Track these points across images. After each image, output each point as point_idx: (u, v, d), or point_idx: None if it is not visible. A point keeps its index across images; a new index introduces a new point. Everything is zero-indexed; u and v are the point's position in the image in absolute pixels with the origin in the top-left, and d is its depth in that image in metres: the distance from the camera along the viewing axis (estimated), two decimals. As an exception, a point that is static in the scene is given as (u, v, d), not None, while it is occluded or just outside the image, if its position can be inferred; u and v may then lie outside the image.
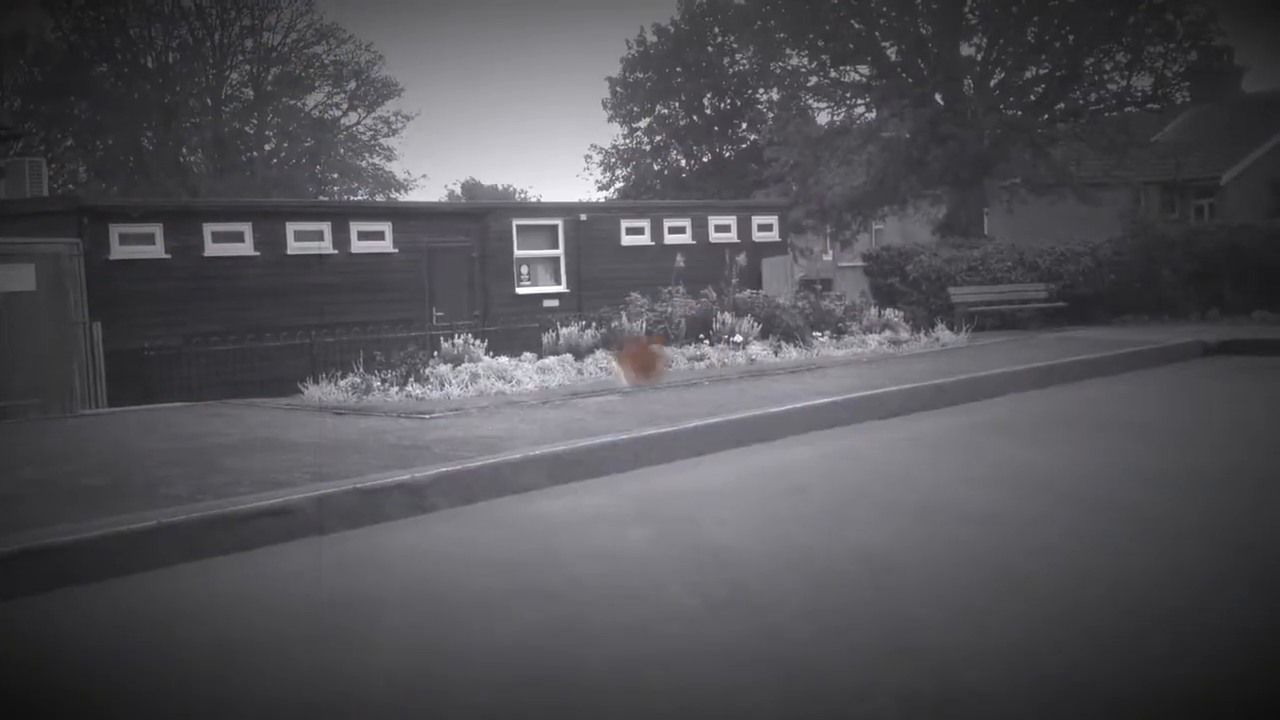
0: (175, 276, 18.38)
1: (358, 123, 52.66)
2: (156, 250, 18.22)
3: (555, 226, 23.73)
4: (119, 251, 17.72)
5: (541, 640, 5.16)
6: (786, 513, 7.65)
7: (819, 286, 22.93)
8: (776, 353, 16.49)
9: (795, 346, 16.82)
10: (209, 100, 49.54)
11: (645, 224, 25.09)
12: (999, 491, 8.07)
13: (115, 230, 17.84)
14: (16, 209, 18.89)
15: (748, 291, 18.69)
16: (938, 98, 32.27)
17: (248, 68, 50.21)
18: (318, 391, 14.15)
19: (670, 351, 15.96)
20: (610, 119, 48.77)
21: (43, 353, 16.18)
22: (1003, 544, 6.60)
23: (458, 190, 58.65)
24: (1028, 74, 32.62)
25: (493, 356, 15.26)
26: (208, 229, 18.91)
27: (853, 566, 6.19)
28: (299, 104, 51.38)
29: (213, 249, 18.83)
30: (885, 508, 7.65)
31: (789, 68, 35.12)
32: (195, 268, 18.65)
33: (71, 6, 47.62)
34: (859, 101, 34.23)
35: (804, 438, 10.78)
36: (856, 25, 32.86)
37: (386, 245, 21.02)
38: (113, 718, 4.57)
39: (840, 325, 18.16)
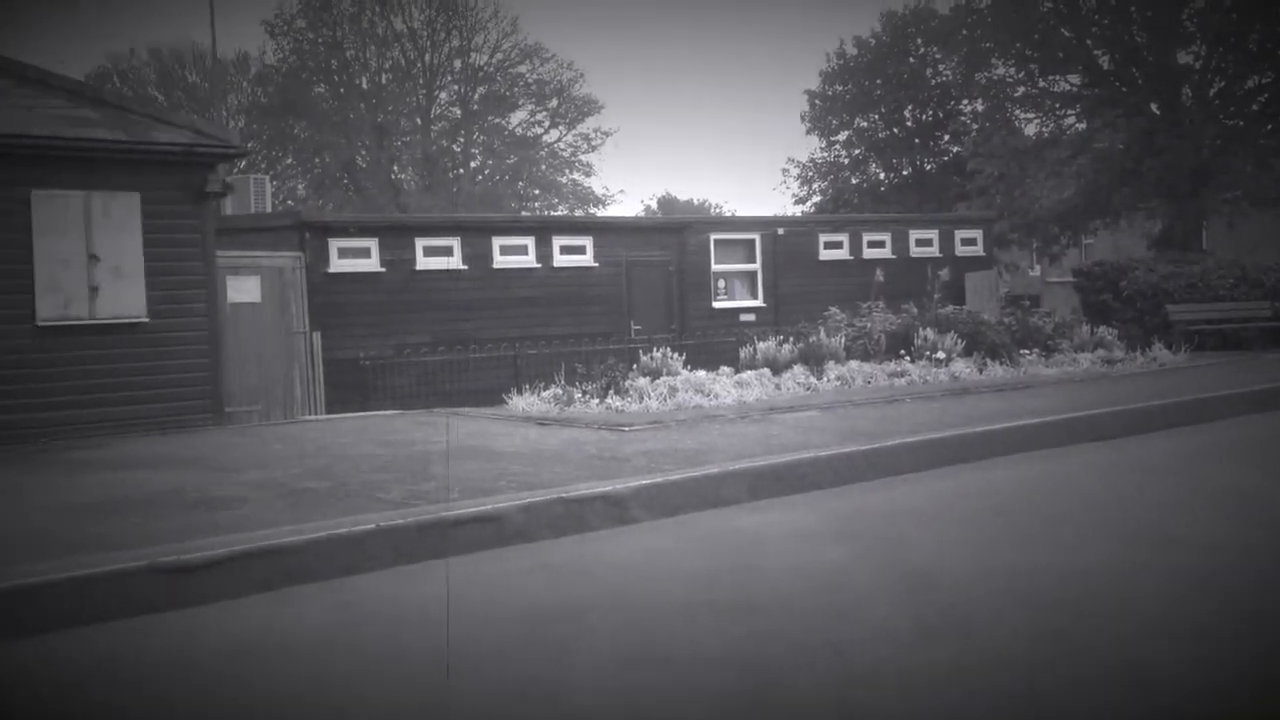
0: (388, 289, 19.13)
1: (559, 139, 53.83)
2: (372, 264, 19.00)
3: (752, 240, 23.72)
4: (337, 265, 18.55)
5: (747, 655, 5.15)
6: (994, 535, 7.44)
7: (1026, 303, 22.25)
8: (981, 370, 16.08)
9: (1001, 364, 16.36)
10: (419, 119, 51.43)
11: (844, 238, 24.84)
12: (1219, 519, 7.67)
13: (334, 244, 18.69)
14: (243, 224, 19.97)
15: (950, 307, 18.30)
16: (1153, 107, 30.94)
17: (456, 87, 51.92)
18: (521, 402, 14.50)
19: (869, 368, 15.75)
20: (808, 132, 48.51)
21: (266, 361, 17.06)
22: (1227, 572, 6.26)
23: (654, 205, 59.30)
24: (1249, 83, 30.98)
25: (690, 370, 15.35)
26: (419, 243, 19.62)
27: (1065, 592, 5.97)
28: (503, 122, 52.81)
29: (424, 263, 19.53)
30: (1098, 533, 7.36)
31: (994, 78, 34.26)
32: (407, 281, 19.38)
33: (292, 30, 50.22)
34: (1069, 112, 33.13)
35: (1011, 459, 10.47)
36: (1066, 33, 31.81)
37: (587, 259, 21.40)
38: (335, 712, 4.77)
39: (1049, 343, 17.59)
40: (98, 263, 13.02)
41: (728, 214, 49.90)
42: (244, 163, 33.54)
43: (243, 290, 16.94)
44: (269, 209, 25.88)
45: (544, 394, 14.45)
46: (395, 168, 51.84)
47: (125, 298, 13.25)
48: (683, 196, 58.71)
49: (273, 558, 6.72)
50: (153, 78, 52.84)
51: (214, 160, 14.12)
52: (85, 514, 7.96)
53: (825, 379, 15.24)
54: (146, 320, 13.41)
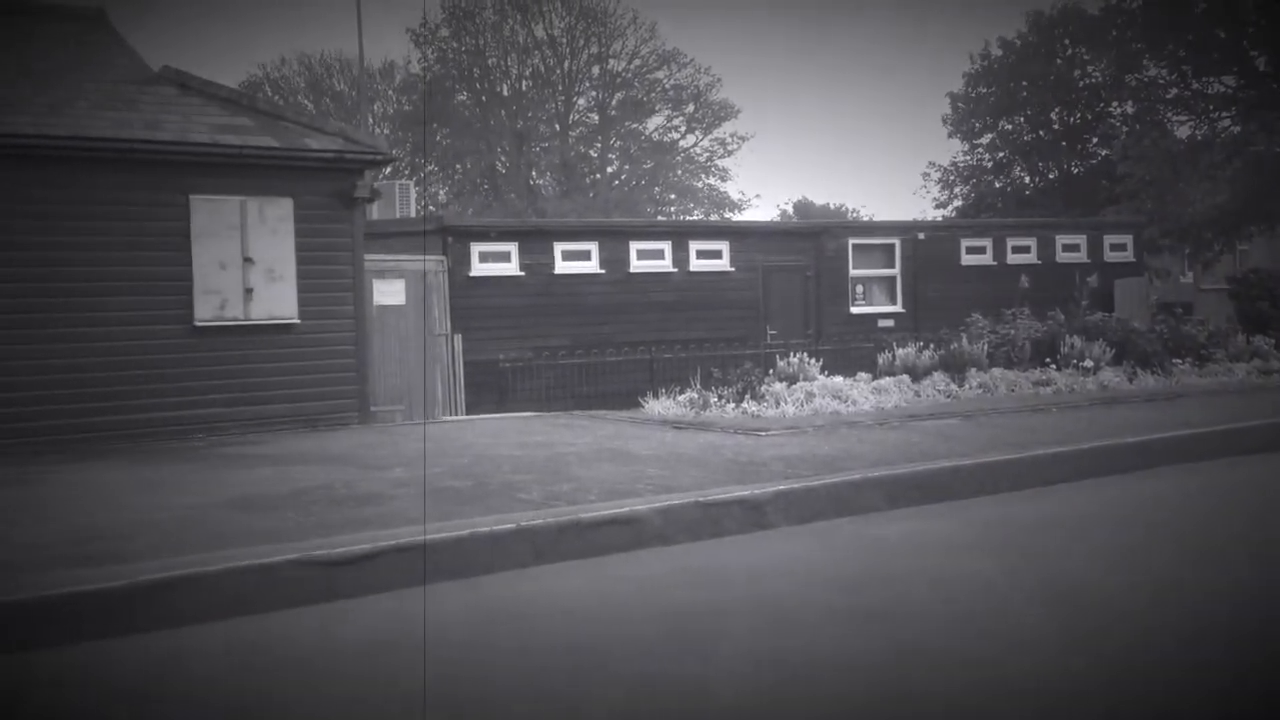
0: (527, 293, 19.42)
1: (695, 144, 53.94)
2: (511, 268, 19.31)
3: (892, 245, 23.42)
4: (478, 269, 18.91)
5: (887, 662, 5.09)
6: (1146, 548, 7.21)
7: (1178, 310, 21.48)
8: (1131, 380, 15.58)
9: (1151, 374, 15.83)
10: (557, 125, 52.10)
11: (986, 243, 24.35)
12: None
13: (476, 249, 19.05)
14: (388, 229, 20.47)
15: (1099, 314, 17.78)
16: (1314, 108, 29.66)
17: (594, 94, 52.44)
18: (657, 405, 14.55)
19: (1013, 375, 15.41)
20: (950, 135, 47.68)
21: (409, 362, 17.46)
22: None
23: (789, 210, 58.92)
24: None
25: (827, 376, 15.22)
26: (558, 248, 19.88)
27: (1228, 607, 5.75)
28: (640, 127, 53.15)
29: (562, 267, 19.77)
30: (1262, 549, 7.08)
31: (1146, 79, 33.25)
32: (545, 285, 19.64)
33: (435, 39, 51.36)
34: (1223, 114, 31.94)
35: (1163, 471, 10.14)
36: (1222, 34, 30.68)
37: (724, 264, 21.39)
38: (478, 704, 4.86)
39: (1203, 352, 16.96)
40: (252, 265, 13.50)
41: (865, 218, 49.35)
42: (389, 169, 34.36)
43: (388, 293, 17.36)
44: (412, 214, 26.48)
45: (680, 398, 14.48)
46: (533, 173, 52.59)
47: (278, 300, 13.71)
48: (819, 201, 58.19)
49: (417, 554, 6.86)
50: (302, 86, 54.55)
51: (362, 167, 14.51)
52: (239, 508, 8.25)
53: (967, 386, 14.95)
54: (297, 321, 13.85)
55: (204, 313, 13.24)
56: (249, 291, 13.53)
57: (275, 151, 13.56)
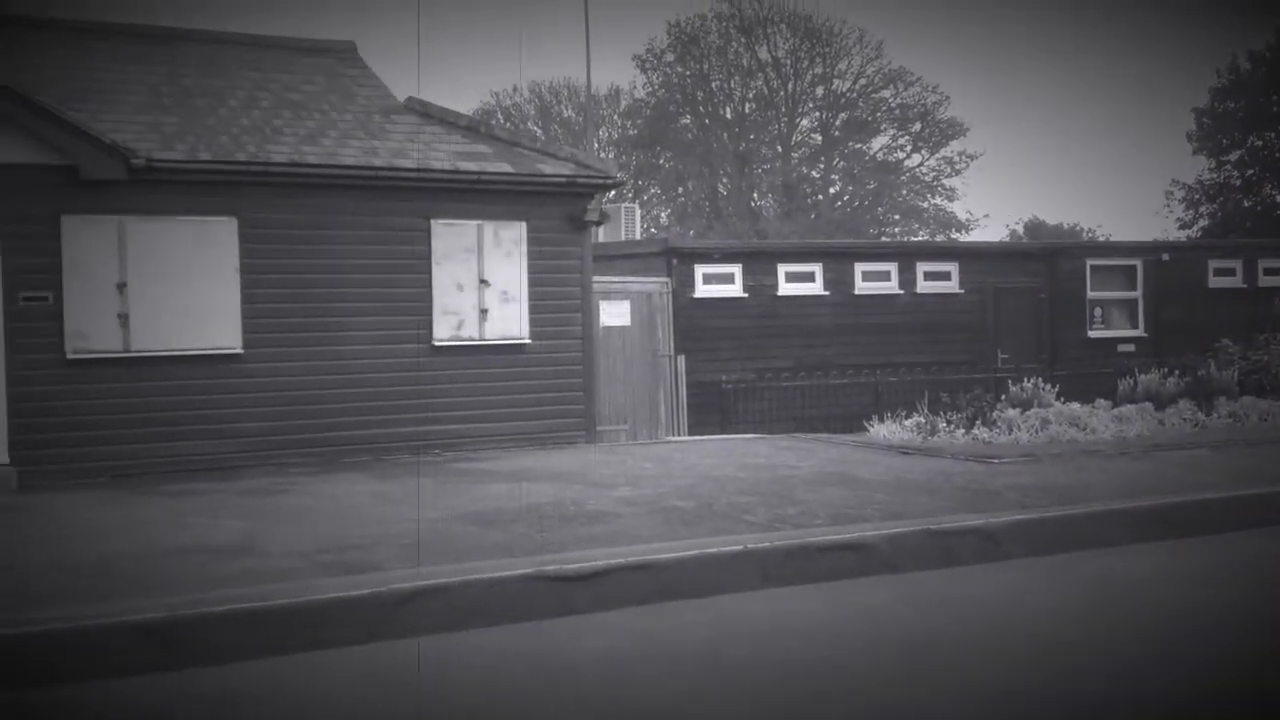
0: (750, 314, 19.41)
1: (921, 164, 52.93)
2: (735, 289, 19.35)
3: (1133, 267, 22.39)
4: (702, 290, 19.02)
5: (1120, 703, 4.84)
6: None
7: None
8: (1400, 411, 14.45)
9: None
10: (779, 147, 52.03)
11: (1236, 264, 23.00)
12: None
13: (700, 270, 19.17)
14: (613, 251, 20.81)
15: (1364, 340, 16.57)
16: None
17: (817, 114, 52.12)
18: (883, 430, 14.32)
19: (1266, 404, 14.51)
20: (1195, 152, 45.33)
21: (634, 382, 17.70)
22: None
23: (1019, 230, 57.14)
24: None
25: (1063, 402, 14.69)
26: (782, 269, 19.81)
27: None
28: (864, 147, 52.52)
29: (786, 288, 19.69)
30: None
31: None
32: (769, 306, 19.59)
33: (661, 64, 52.06)
34: None
35: None
36: None
37: (952, 286, 20.89)
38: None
39: None
40: (487, 287, 13.95)
41: (1101, 238, 47.42)
42: (613, 192, 35.06)
43: (614, 314, 17.66)
44: (637, 237, 26.89)
45: (906, 422, 14.22)
46: (755, 195, 52.65)
47: (510, 320, 14.13)
48: (1051, 221, 56.16)
49: (646, 572, 6.94)
50: (532, 113, 56.19)
51: (592, 190, 14.83)
52: (473, 522, 8.52)
53: (1215, 415, 14.17)
54: (528, 342, 14.24)
55: (442, 333, 13.76)
56: (484, 312, 13.99)
57: (511, 177, 14.01)
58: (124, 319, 12.08)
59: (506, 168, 14.07)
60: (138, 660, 5.59)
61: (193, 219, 12.50)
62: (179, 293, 12.35)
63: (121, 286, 12.07)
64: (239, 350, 12.68)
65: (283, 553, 7.47)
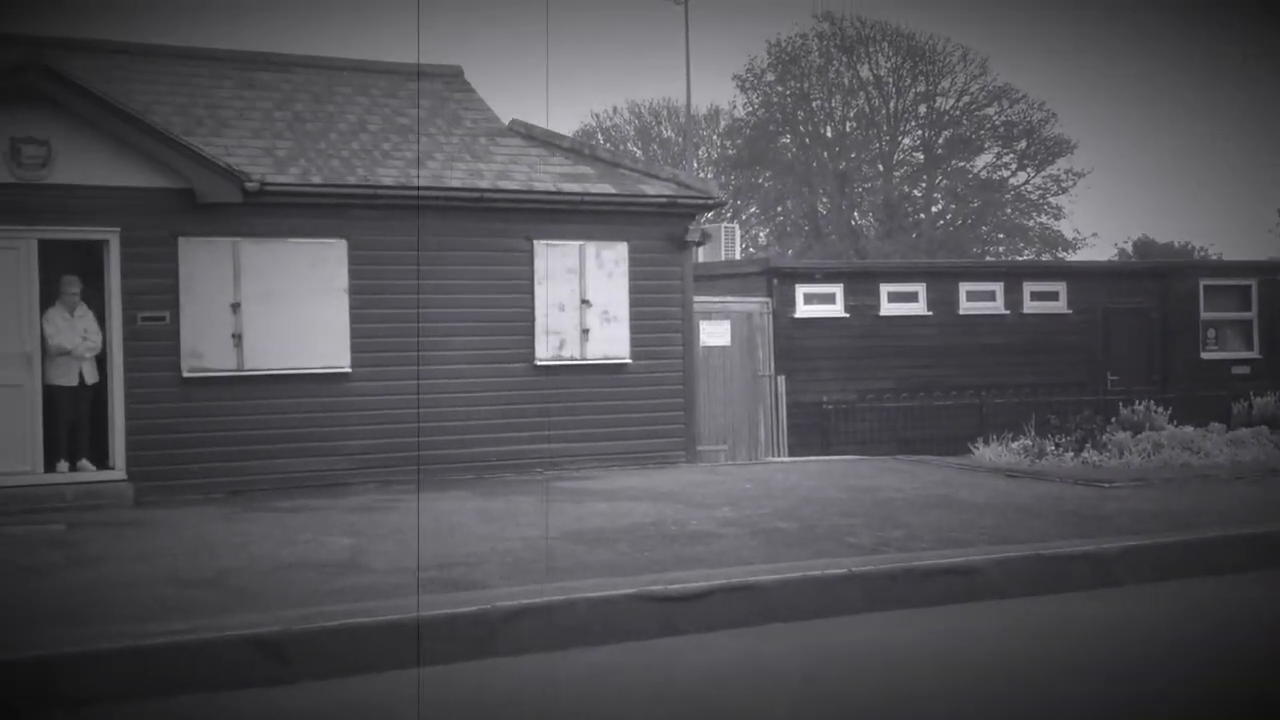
0: (852, 334, 19.24)
1: (1026, 182, 52.02)
2: (836, 309, 19.21)
3: (1247, 287, 21.73)
4: (803, 310, 18.92)
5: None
6: None
7: None
8: None
9: None
10: (880, 165, 51.56)
11: (1357, 284, 22.20)
12: None
13: (801, 290, 19.07)
14: (713, 270, 20.81)
15: None
16: None
17: (920, 132, 51.58)
18: (988, 452, 14.10)
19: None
20: (1312, 168, 43.96)
21: (733, 402, 17.66)
22: None
23: (1128, 248, 55.89)
24: None
25: (1176, 425, 14.31)
26: (884, 289, 19.61)
27: None
28: (968, 165, 51.83)
29: (888, 309, 19.50)
30: None
31: None
32: (871, 326, 19.41)
33: (761, 84, 52.01)
34: None
35: None
36: None
37: (1060, 306, 20.50)
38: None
39: None
40: (589, 307, 14.05)
41: (1214, 257, 46.19)
42: (713, 212, 35.08)
43: (714, 334, 17.65)
44: (736, 256, 26.86)
45: (1012, 445, 13.99)
46: (855, 214, 52.27)
47: (611, 340, 14.20)
48: (1161, 239, 54.84)
49: (748, 594, 6.92)
50: (631, 134, 56.50)
51: (694, 211, 14.86)
52: (575, 540, 8.57)
53: (1336, 441, 13.68)
54: (629, 361, 14.29)
55: (544, 352, 13.88)
56: (585, 332, 14.09)
57: (613, 198, 14.10)
58: (237, 338, 12.40)
59: (609, 189, 14.17)
60: (251, 673, 5.72)
61: (304, 241, 12.79)
62: (290, 313, 12.64)
63: (235, 306, 12.39)
64: (347, 369, 12.93)
65: (389, 569, 7.60)
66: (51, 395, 11.75)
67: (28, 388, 11.63)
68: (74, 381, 11.86)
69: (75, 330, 11.86)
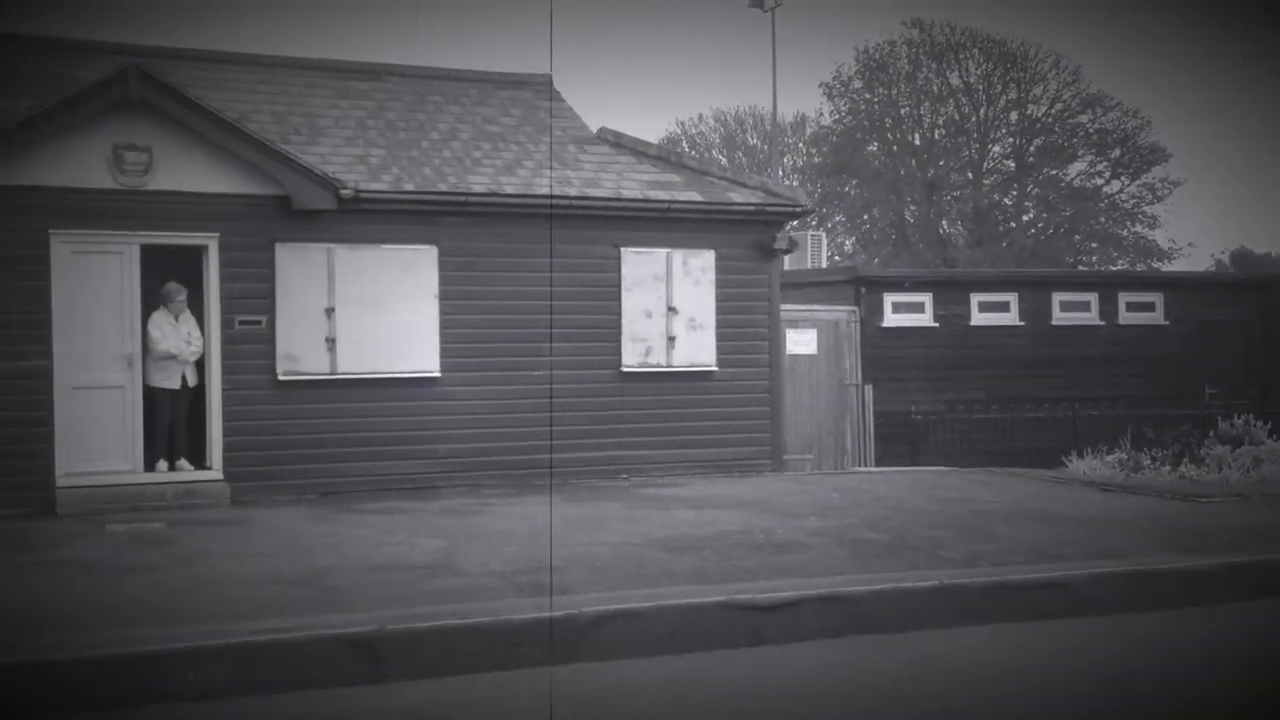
0: (941, 344, 19.05)
1: (1120, 190, 51.03)
2: (925, 318, 19.04)
3: (1354, 298, 21.13)
4: (891, 319, 18.77)
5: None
6: None
7: None
8: None
9: None
10: (969, 173, 50.92)
11: None
12: None
13: (889, 299, 18.94)
14: (799, 279, 20.72)
15: None
16: None
17: (1010, 140, 50.86)
18: (1081, 465, 13.86)
19: None
20: None
21: (819, 411, 17.56)
22: None
23: (1225, 259, 54.54)
24: None
25: (1276, 440, 13.94)
26: (975, 299, 19.39)
27: None
28: (1060, 173, 50.98)
29: (978, 318, 19.27)
30: None
31: None
32: (960, 336, 19.19)
33: (848, 91, 51.67)
34: None
35: None
36: None
37: (1156, 317, 20.08)
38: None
39: None
40: (675, 315, 14.05)
41: (1318, 269, 44.81)
42: (799, 220, 34.93)
43: (800, 343, 17.56)
44: (822, 264, 26.71)
45: (1107, 458, 13.72)
46: (944, 222, 51.67)
47: (698, 348, 14.18)
48: (1259, 250, 53.45)
49: (838, 605, 6.86)
50: (716, 141, 56.45)
51: (781, 219, 14.79)
52: (662, 548, 8.56)
53: None
54: (715, 369, 14.26)
55: (630, 359, 13.91)
56: (671, 339, 14.09)
57: (700, 206, 14.09)
58: (331, 342, 12.60)
59: (696, 196, 14.17)
60: (345, 672, 5.80)
61: (395, 247, 12.97)
62: (381, 317, 12.82)
63: (329, 311, 12.60)
64: (437, 374, 13.08)
65: (479, 572, 7.66)
66: (152, 396, 12.05)
67: (129, 389, 11.93)
68: (176, 385, 12.16)
69: (180, 335, 12.15)
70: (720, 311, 14.30)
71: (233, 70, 14.63)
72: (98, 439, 11.77)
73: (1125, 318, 19.97)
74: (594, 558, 8.16)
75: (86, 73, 13.22)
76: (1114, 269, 45.70)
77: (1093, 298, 19.93)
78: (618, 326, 13.87)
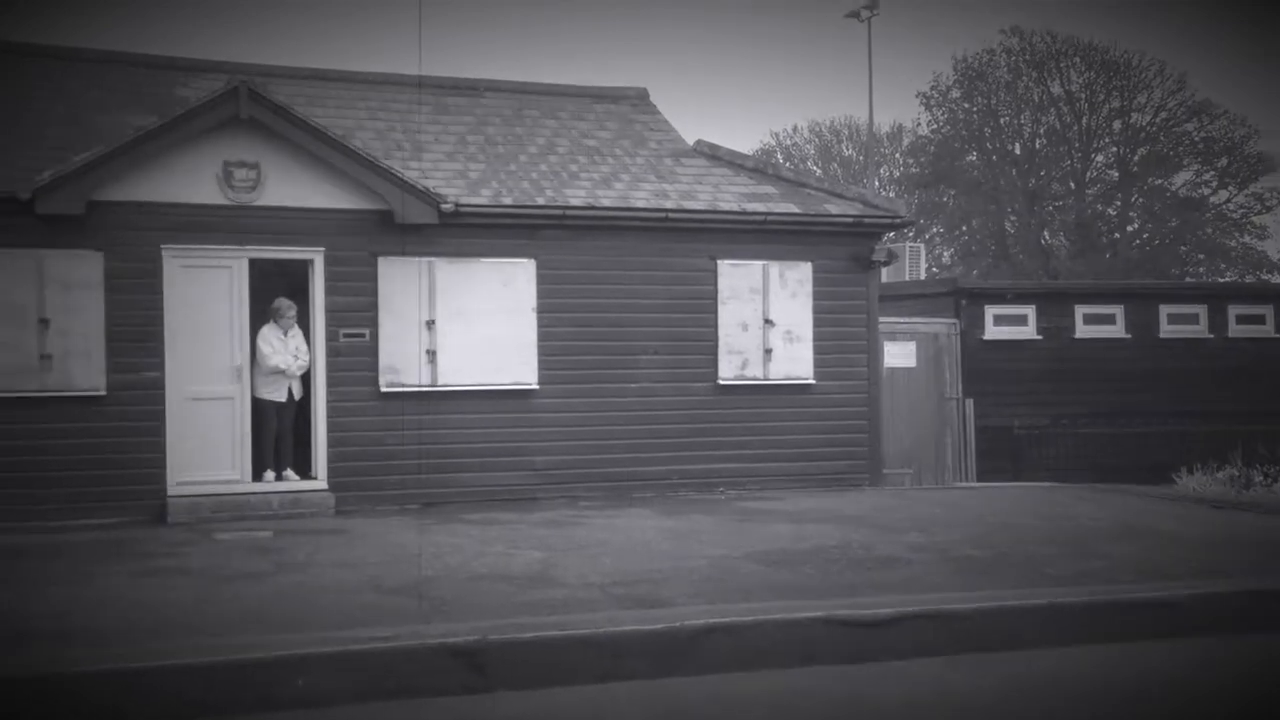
0: (1043, 357, 18.69)
1: (1227, 200, 49.69)
2: (1027, 331, 18.71)
3: None
4: (992, 332, 18.47)
5: None
6: None
7: None
8: None
9: None
10: (1072, 183, 49.94)
11: None
12: None
13: (990, 311, 18.63)
14: (898, 290, 20.50)
15: None
16: None
17: (1114, 149, 49.79)
18: (1191, 482, 13.51)
19: None
20: None
21: (919, 425, 17.33)
22: None
23: (1340, 270, 52.81)
24: None
25: (1397, 458, 13.44)
26: (1079, 311, 19.01)
27: None
28: (1165, 183, 49.80)
29: (1083, 331, 18.90)
30: None
31: None
32: (1064, 349, 18.83)
33: (946, 101, 51.06)
34: None
35: None
36: None
37: (1268, 329, 19.49)
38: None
39: None
40: (772, 327, 13.99)
41: None
42: (896, 231, 34.60)
43: (899, 355, 17.36)
44: (921, 276, 26.40)
45: (1218, 475, 13.35)
46: (1045, 233, 50.76)
47: (795, 360, 14.12)
48: (1377, 260, 51.62)
49: (941, 622, 6.76)
50: (811, 153, 56.18)
51: (880, 230, 14.67)
52: (760, 561, 8.53)
53: None
54: (813, 382, 14.18)
55: (727, 372, 13.89)
56: (768, 352, 14.04)
57: (797, 217, 14.04)
58: (432, 355, 12.79)
59: (793, 208, 14.12)
60: (449, 681, 5.87)
61: (494, 260, 13.12)
62: (481, 330, 12.97)
63: (430, 324, 12.78)
64: (535, 386, 13.19)
65: (578, 584, 7.70)
66: (259, 408, 12.34)
67: (238, 400, 12.24)
68: (283, 398, 12.44)
69: (289, 349, 12.44)
70: (817, 324, 14.23)
71: (334, 87, 14.96)
72: (207, 449, 12.10)
73: (1235, 330, 19.41)
74: (692, 570, 8.15)
75: (186, 91, 13.66)
76: (1224, 280, 44.51)
77: (1201, 310, 19.41)
78: (714, 339, 13.87)
